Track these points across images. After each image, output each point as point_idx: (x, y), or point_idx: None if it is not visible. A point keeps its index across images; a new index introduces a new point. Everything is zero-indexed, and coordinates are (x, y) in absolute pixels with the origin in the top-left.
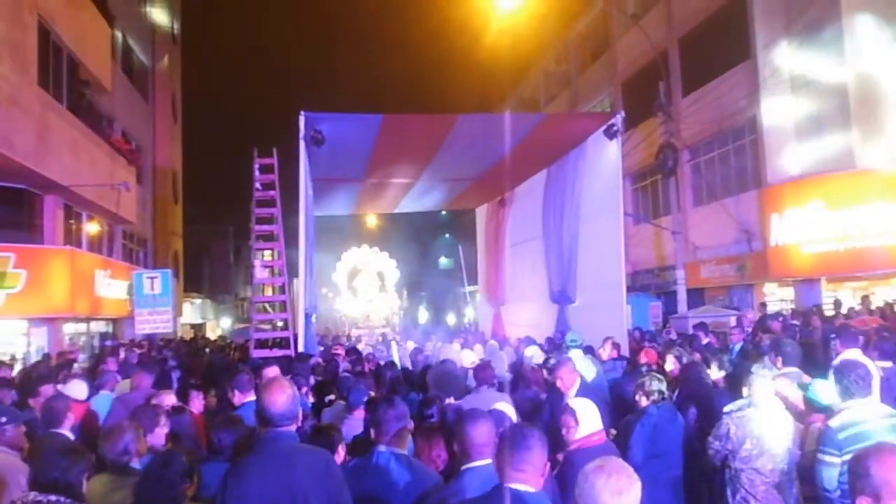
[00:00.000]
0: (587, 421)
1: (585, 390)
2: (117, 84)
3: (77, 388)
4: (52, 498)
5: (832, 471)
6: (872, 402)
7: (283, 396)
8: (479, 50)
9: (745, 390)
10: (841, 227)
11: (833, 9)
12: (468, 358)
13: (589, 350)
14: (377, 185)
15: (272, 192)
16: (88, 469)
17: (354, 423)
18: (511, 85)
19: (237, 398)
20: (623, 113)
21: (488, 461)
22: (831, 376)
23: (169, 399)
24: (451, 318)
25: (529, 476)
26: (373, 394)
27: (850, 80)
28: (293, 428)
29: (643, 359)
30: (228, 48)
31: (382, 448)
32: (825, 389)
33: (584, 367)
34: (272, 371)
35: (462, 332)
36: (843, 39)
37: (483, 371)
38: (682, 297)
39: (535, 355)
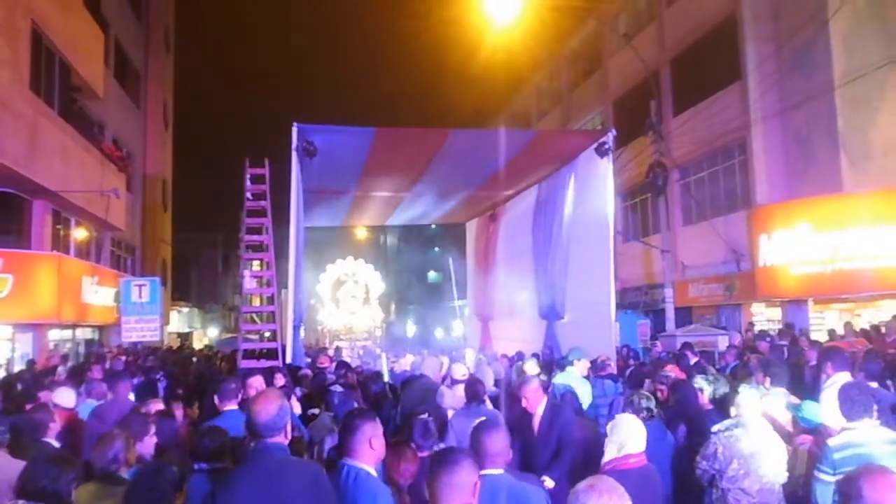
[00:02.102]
0: (620, 440)
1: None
2: (109, 90)
3: (65, 396)
4: None
5: (826, 489)
6: (874, 426)
7: (271, 407)
8: (472, 65)
9: (733, 410)
10: (829, 249)
11: (822, 33)
12: (459, 371)
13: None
14: (368, 197)
15: (263, 203)
16: (78, 478)
17: None
18: (503, 100)
19: (221, 405)
20: (615, 131)
21: (500, 471)
22: (825, 397)
23: (156, 406)
24: (438, 332)
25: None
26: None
27: (838, 103)
28: (282, 439)
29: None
30: (221, 57)
31: (349, 463)
32: (815, 410)
33: (580, 387)
34: (257, 381)
35: (451, 346)
36: (832, 63)
37: (473, 387)
38: (670, 315)
39: (531, 371)
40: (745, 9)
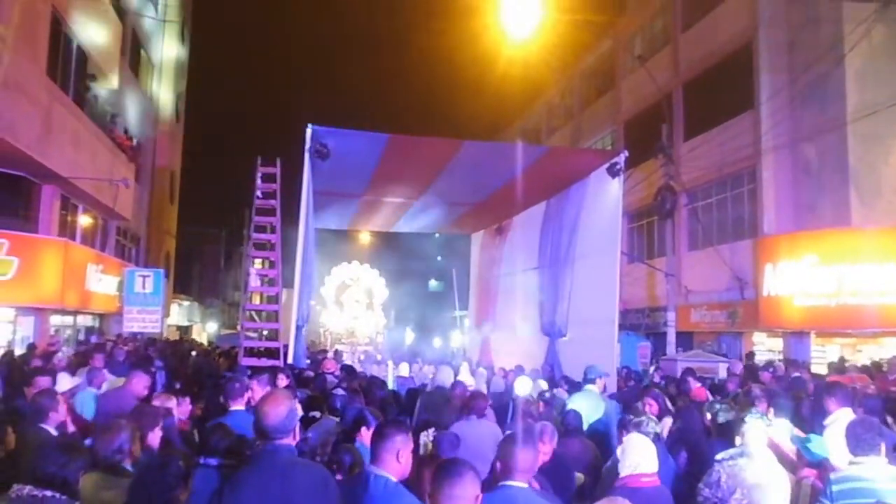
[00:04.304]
0: (635, 462)
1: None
2: (123, 80)
3: (67, 382)
4: (48, 493)
5: None
6: (880, 462)
7: (281, 409)
8: (486, 78)
9: (738, 439)
10: (833, 282)
11: (837, 68)
12: (470, 381)
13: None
14: (376, 202)
15: (272, 202)
16: (85, 466)
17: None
18: (514, 115)
19: (228, 404)
20: (626, 152)
21: (525, 485)
22: (830, 433)
23: (168, 402)
24: (437, 342)
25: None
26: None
27: (850, 138)
28: (290, 441)
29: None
30: (237, 53)
31: (375, 471)
32: (820, 444)
33: (590, 406)
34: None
35: (452, 357)
36: (845, 98)
37: (474, 400)
38: (671, 339)
39: (527, 387)
40: (761, 39)
